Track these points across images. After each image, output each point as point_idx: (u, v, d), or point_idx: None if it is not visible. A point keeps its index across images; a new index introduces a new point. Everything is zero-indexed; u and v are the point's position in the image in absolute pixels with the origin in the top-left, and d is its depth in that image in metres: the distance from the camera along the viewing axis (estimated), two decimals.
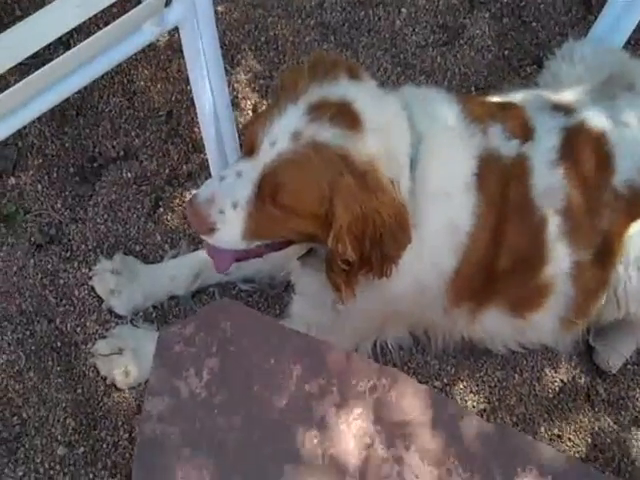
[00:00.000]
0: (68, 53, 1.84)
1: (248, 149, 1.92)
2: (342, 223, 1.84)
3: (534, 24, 3.04)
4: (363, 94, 1.92)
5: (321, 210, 1.87)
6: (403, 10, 3.02)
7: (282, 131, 1.85)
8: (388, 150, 1.90)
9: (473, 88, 2.93)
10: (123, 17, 1.88)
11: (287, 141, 1.84)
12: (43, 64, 1.86)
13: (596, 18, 2.87)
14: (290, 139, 1.84)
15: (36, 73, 1.80)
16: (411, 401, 1.78)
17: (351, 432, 1.74)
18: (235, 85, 2.83)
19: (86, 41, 1.85)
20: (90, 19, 1.81)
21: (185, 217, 2.62)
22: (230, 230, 1.92)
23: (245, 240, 1.95)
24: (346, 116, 1.86)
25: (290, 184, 1.86)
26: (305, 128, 1.84)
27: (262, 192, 1.88)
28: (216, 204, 1.90)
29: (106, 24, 2.21)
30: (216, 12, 2.14)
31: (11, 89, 1.79)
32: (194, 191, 2.64)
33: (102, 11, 1.83)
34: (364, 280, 2.00)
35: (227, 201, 1.89)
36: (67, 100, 1.96)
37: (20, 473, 2.28)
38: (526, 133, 2.17)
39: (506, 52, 2.99)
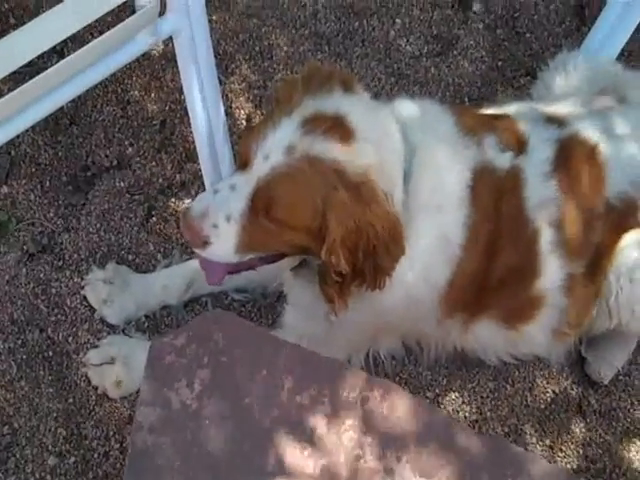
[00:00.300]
0: (62, 62, 1.84)
1: (242, 162, 1.91)
2: (335, 236, 1.84)
3: (528, 35, 3.05)
4: (357, 107, 1.92)
5: (314, 224, 1.87)
6: (397, 20, 3.02)
7: (276, 145, 1.85)
8: (382, 163, 1.90)
9: (467, 99, 2.93)
10: (117, 26, 1.88)
11: (281, 155, 1.84)
12: (37, 73, 1.86)
13: (590, 29, 2.88)
14: (284, 153, 1.84)
15: (30, 82, 1.80)
16: (403, 412, 1.78)
17: (342, 443, 1.74)
18: (229, 95, 2.83)
19: (80, 50, 1.85)
20: (84, 28, 1.81)
21: (178, 227, 2.61)
22: (223, 244, 1.92)
23: (238, 253, 1.95)
24: (340, 129, 1.86)
25: (284, 198, 1.86)
26: (299, 142, 1.84)
27: (256, 206, 1.88)
28: (210, 218, 1.90)
29: (101, 33, 2.21)
30: (210, 21, 2.15)
31: (5, 98, 1.79)
32: (188, 201, 2.65)
33: (97, 20, 1.83)
34: (357, 292, 1.99)
35: (221, 215, 1.89)
36: (61, 109, 1.97)
37: None
38: (520, 145, 2.17)
39: (500, 63, 3.00)
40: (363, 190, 1.84)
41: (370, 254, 1.88)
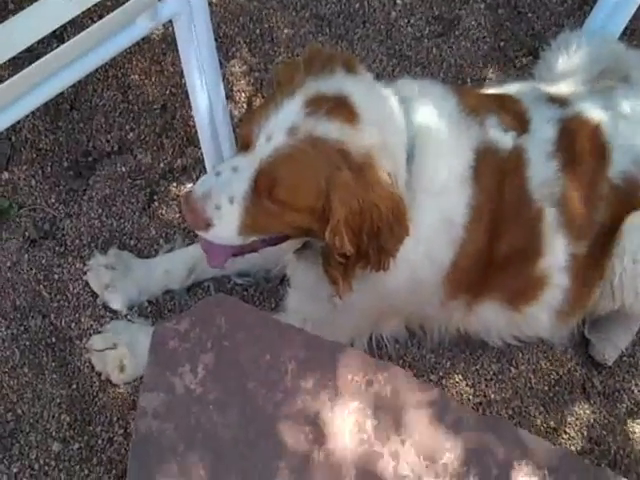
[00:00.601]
0: (62, 47, 1.83)
1: (244, 144, 1.90)
2: (339, 217, 1.83)
3: (530, 15, 3.03)
4: (359, 88, 1.91)
5: (318, 204, 1.86)
6: (398, 1, 3.01)
7: (278, 126, 1.84)
8: (385, 143, 1.89)
9: (469, 79, 2.92)
10: (117, 10, 1.87)
11: (284, 136, 1.83)
12: (37, 58, 1.85)
13: (591, 8, 2.86)
14: (287, 134, 1.83)
15: (30, 67, 1.79)
16: (407, 396, 1.78)
17: (347, 427, 1.74)
18: (229, 78, 2.81)
19: (80, 35, 1.84)
20: (84, 12, 1.80)
21: (180, 211, 2.61)
22: (226, 225, 1.91)
23: (241, 235, 1.94)
24: (343, 110, 1.85)
25: (287, 179, 1.85)
26: (302, 123, 1.83)
27: (258, 187, 1.87)
28: (212, 199, 1.89)
29: (100, 17, 2.20)
30: (210, 4, 2.14)
31: (5, 83, 1.78)
32: (189, 185, 2.64)
33: (96, 4, 1.82)
34: (361, 274, 1.99)
35: (223, 196, 1.88)
36: (61, 94, 1.96)
37: (15, 470, 2.28)
38: (522, 125, 2.16)
39: (502, 43, 2.98)
40: (367, 170, 1.83)
41: (374, 235, 1.87)
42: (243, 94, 2.82)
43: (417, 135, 1.99)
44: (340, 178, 1.82)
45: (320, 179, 1.83)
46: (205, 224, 1.91)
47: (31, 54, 1.75)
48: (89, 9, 1.81)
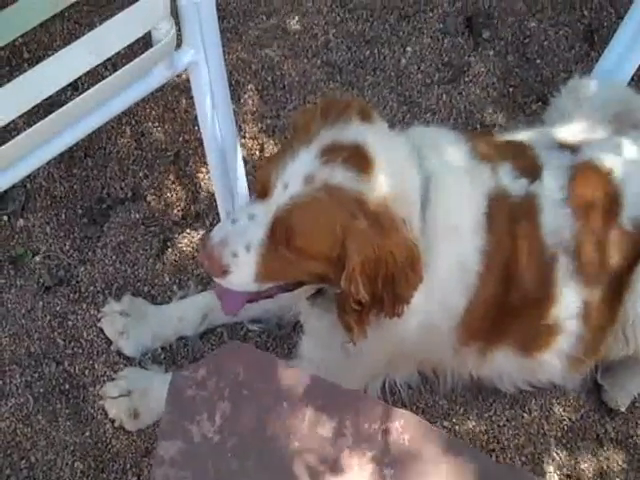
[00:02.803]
0: (79, 98, 1.85)
1: (261, 192, 1.91)
2: (355, 265, 1.84)
3: (538, 61, 3.06)
4: (375, 136, 1.92)
5: (334, 252, 1.87)
6: (408, 49, 3.04)
7: (295, 174, 1.85)
8: (400, 191, 1.90)
9: (478, 125, 2.93)
10: (134, 60, 1.89)
11: (300, 184, 1.84)
12: (51, 105, 1.88)
13: (599, 54, 2.88)
14: (303, 182, 1.84)
15: (47, 118, 1.81)
16: (424, 444, 1.76)
17: (364, 476, 1.73)
18: (242, 125, 2.83)
19: (97, 85, 1.86)
20: None
21: (193, 258, 2.62)
22: (243, 272, 1.92)
23: (257, 282, 1.95)
24: (359, 159, 1.86)
25: (303, 227, 1.86)
26: (318, 171, 1.84)
27: (275, 235, 1.88)
28: (229, 246, 1.89)
29: (114, 65, 2.23)
30: (223, 52, 2.15)
31: (22, 135, 1.79)
32: (202, 232, 2.65)
33: None
34: (375, 320, 1.99)
35: (240, 244, 1.89)
36: (75, 142, 1.99)
37: None
38: (534, 172, 2.16)
39: (511, 89, 3.00)
40: (382, 218, 1.84)
41: (389, 282, 1.87)
42: (255, 141, 2.84)
43: (430, 182, 2.00)
44: (356, 226, 1.83)
45: (336, 227, 1.84)
46: (222, 271, 1.92)
47: (45, 101, 1.77)
48: None
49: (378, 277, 1.87)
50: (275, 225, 1.87)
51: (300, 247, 1.88)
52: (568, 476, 2.44)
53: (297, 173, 1.85)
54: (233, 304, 2.12)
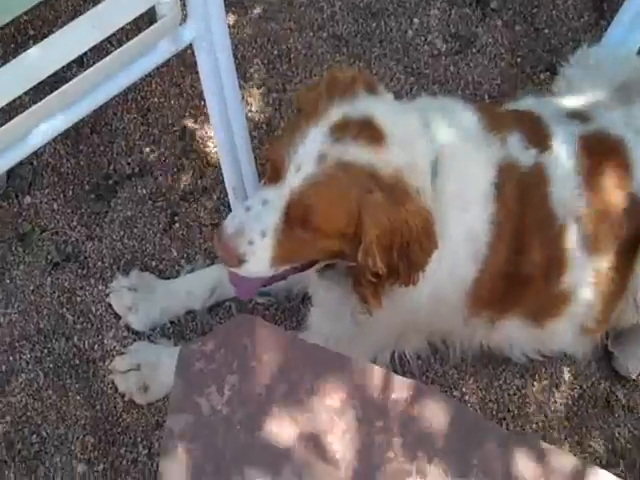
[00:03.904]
0: (84, 73, 1.85)
1: (272, 175, 1.90)
2: (371, 238, 1.84)
3: (546, 31, 3.04)
4: (383, 108, 1.91)
5: (350, 228, 1.86)
6: (415, 20, 3.02)
7: (307, 155, 1.84)
8: (412, 161, 1.89)
9: (486, 96, 2.92)
10: (139, 36, 1.89)
11: (313, 164, 1.83)
12: (56, 82, 1.87)
13: (609, 23, 2.87)
14: (316, 162, 1.83)
15: (53, 94, 1.81)
16: (434, 413, 1.77)
17: (374, 445, 1.73)
18: (248, 99, 2.83)
19: (102, 61, 1.86)
20: None
21: (201, 232, 2.63)
22: (259, 259, 1.91)
23: (273, 267, 1.95)
24: (369, 132, 1.85)
25: (319, 207, 1.85)
26: (330, 149, 1.83)
27: (290, 218, 1.87)
28: (245, 235, 1.88)
29: (119, 41, 2.22)
30: (228, 27, 2.14)
31: (28, 111, 1.80)
32: (210, 206, 2.66)
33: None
34: (389, 290, 1.99)
35: (255, 231, 1.88)
36: (81, 118, 1.98)
37: None
38: (543, 142, 2.15)
39: (519, 59, 2.98)
40: (396, 189, 1.84)
41: (404, 251, 1.87)
42: (262, 115, 2.83)
43: (439, 153, 1.99)
44: (371, 200, 1.82)
45: (352, 203, 1.83)
46: (238, 260, 1.91)
47: (50, 78, 1.76)
48: None
49: (394, 247, 1.86)
50: (290, 208, 1.86)
51: (317, 227, 1.87)
52: (579, 443, 2.45)
53: (309, 153, 1.84)
54: (247, 290, 2.14)
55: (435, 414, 1.77)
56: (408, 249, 1.87)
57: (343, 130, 1.84)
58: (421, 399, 1.78)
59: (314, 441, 1.72)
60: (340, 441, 1.73)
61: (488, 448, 1.78)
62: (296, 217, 1.86)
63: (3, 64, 1.69)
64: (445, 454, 1.75)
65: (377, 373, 1.81)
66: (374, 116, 1.88)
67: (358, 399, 1.76)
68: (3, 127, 1.79)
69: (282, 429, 1.73)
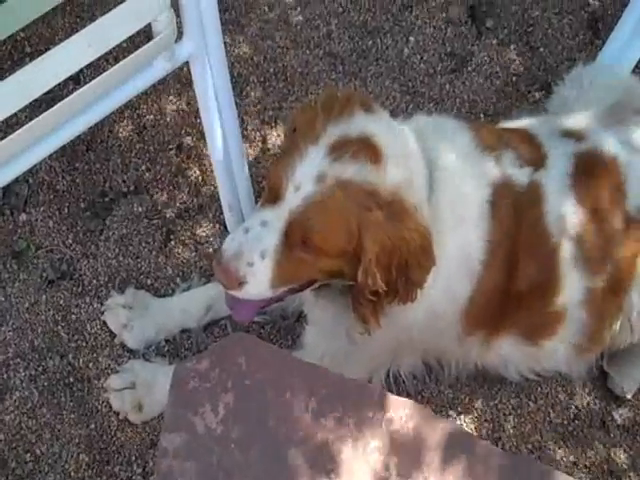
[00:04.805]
0: (80, 90, 1.84)
1: (270, 196, 1.90)
2: (371, 256, 1.84)
3: (542, 49, 3.04)
4: (380, 126, 1.92)
5: (350, 247, 1.86)
6: (411, 38, 3.02)
7: (305, 175, 1.84)
8: (409, 177, 1.90)
9: (482, 115, 2.92)
10: (135, 53, 1.88)
11: (312, 185, 1.83)
12: (53, 99, 1.87)
13: (604, 42, 2.88)
14: (315, 182, 1.83)
15: (48, 111, 1.80)
16: (428, 433, 1.76)
17: (369, 465, 1.73)
18: (244, 117, 2.83)
19: (97, 78, 1.85)
20: None
21: (196, 250, 2.62)
22: (259, 281, 1.90)
23: (273, 288, 1.94)
24: (368, 151, 1.85)
25: (319, 227, 1.84)
26: (329, 169, 1.83)
27: (290, 238, 1.86)
28: (244, 257, 1.88)
29: (115, 58, 2.22)
30: (224, 44, 2.15)
31: (23, 128, 1.79)
32: (205, 224, 2.65)
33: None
34: (388, 308, 1.99)
35: (255, 252, 1.87)
36: (77, 135, 1.98)
37: None
38: (538, 160, 2.16)
39: (514, 78, 2.99)
40: (395, 207, 1.84)
41: (403, 269, 1.87)
42: (258, 133, 2.83)
43: (434, 171, 2.00)
44: (371, 218, 1.82)
45: (351, 222, 1.83)
46: (238, 283, 1.91)
47: (47, 95, 1.76)
48: None
49: (392, 265, 1.87)
50: (289, 228, 1.86)
51: (317, 247, 1.87)
52: (574, 463, 2.44)
53: (308, 174, 1.84)
54: (245, 313, 2.12)
55: (430, 434, 1.77)
56: (407, 267, 1.87)
57: (341, 149, 1.84)
58: (416, 418, 1.78)
59: (309, 461, 1.72)
60: (334, 460, 1.72)
61: (483, 468, 1.78)
62: (296, 237, 1.86)
63: None
64: (440, 475, 1.74)
65: (372, 392, 1.81)
66: (372, 134, 1.88)
67: (353, 418, 1.76)
68: None
69: (277, 448, 1.73)
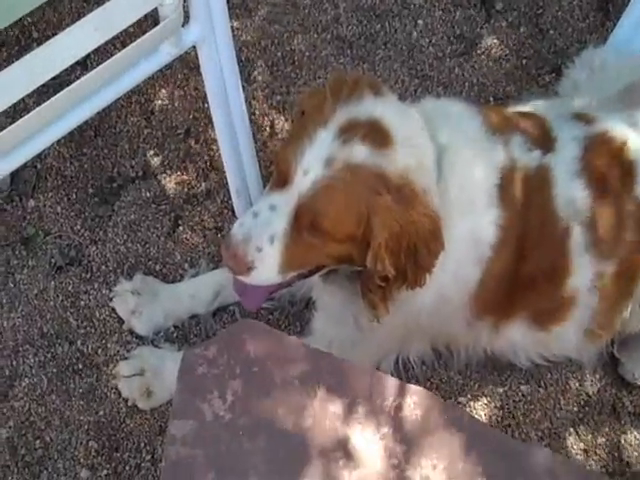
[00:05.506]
0: (87, 76, 1.83)
1: (279, 180, 1.88)
2: (380, 240, 1.83)
3: (551, 32, 3.02)
4: (389, 109, 1.90)
5: (359, 231, 1.85)
6: (419, 22, 3.00)
7: (314, 158, 1.82)
8: (418, 161, 1.89)
9: (491, 98, 2.90)
10: (141, 38, 1.87)
11: (321, 168, 1.81)
12: (60, 85, 1.86)
13: (614, 24, 2.85)
14: (324, 166, 1.81)
15: (56, 97, 1.79)
16: (437, 420, 1.76)
17: (378, 452, 1.72)
18: (252, 101, 2.82)
19: (104, 63, 1.84)
20: None
21: (205, 235, 2.62)
22: (268, 266, 1.89)
23: (281, 274, 1.93)
24: (377, 134, 1.84)
25: (328, 211, 1.83)
26: (338, 152, 1.82)
27: (299, 222, 1.85)
28: (253, 242, 1.87)
29: (122, 43, 2.21)
30: (231, 29, 2.13)
31: (31, 113, 1.78)
32: (213, 209, 2.64)
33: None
34: (397, 294, 1.98)
35: (264, 237, 1.86)
36: (85, 121, 1.97)
37: None
38: (547, 143, 2.14)
39: (524, 61, 2.97)
40: (404, 191, 1.83)
41: (412, 253, 1.86)
42: (266, 117, 2.82)
43: (443, 154, 1.99)
44: (380, 202, 1.81)
45: (361, 206, 1.82)
46: (247, 268, 1.90)
47: (55, 81, 1.76)
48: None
49: (402, 250, 1.86)
50: (298, 213, 1.85)
51: (326, 231, 1.86)
52: (585, 450, 2.43)
53: (317, 157, 1.82)
54: (254, 299, 2.12)
55: (439, 421, 1.76)
56: (416, 251, 1.86)
57: (350, 132, 1.83)
58: (426, 405, 1.78)
59: (317, 448, 1.71)
60: (343, 448, 1.72)
61: (493, 455, 1.77)
62: (305, 222, 1.85)
63: (7, 66, 1.68)
64: (450, 462, 1.74)
65: (381, 379, 1.81)
66: (381, 117, 1.87)
67: (362, 405, 1.75)
68: (6, 130, 1.78)
69: (285, 436, 1.73)
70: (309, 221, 1.85)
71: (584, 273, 2.18)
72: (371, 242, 1.85)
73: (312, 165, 1.82)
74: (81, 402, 2.40)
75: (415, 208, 1.83)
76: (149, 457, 2.35)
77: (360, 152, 1.82)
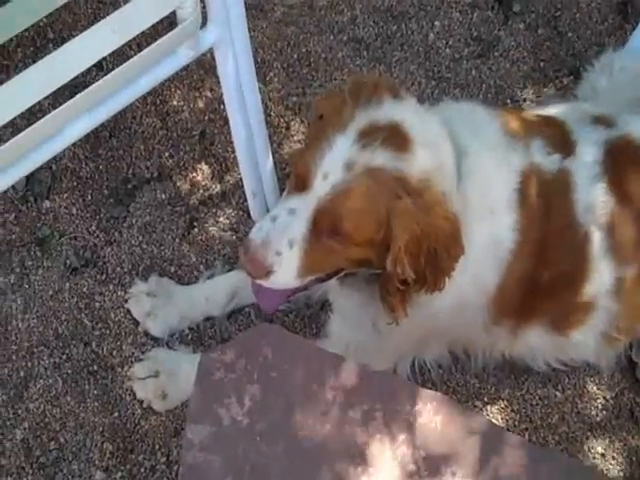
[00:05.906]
0: (105, 78, 1.82)
1: (299, 184, 1.87)
2: (401, 244, 1.81)
3: (570, 34, 3.00)
4: (409, 113, 1.89)
5: (379, 235, 1.84)
6: (436, 23, 2.99)
7: (334, 162, 1.81)
8: (438, 165, 1.87)
9: (509, 100, 2.89)
10: (159, 40, 1.86)
11: (341, 172, 1.80)
12: (75, 86, 1.86)
13: (633, 27, 2.84)
14: (344, 169, 1.80)
15: (73, 99, 1.79)
16: (456, 426, 1.75)
17: (396, 459, 1.71)
18: (268, 103, 2.80)
19: (122, 66, 1.84)
20: None
21: (220, 237, 2.61)
22: (287, 270, 1.88)
23: (300, 277, 1.92)
24: (397, 137, 1.83)
25: (348, 214, 1.82)
26: (358, 156, 1.80)
27: (318, 227, 1.84)
28: (272, 246, 1.86)
29: (139, 45, 2.19)
30: (248, 30, 2.12)
31: (48, 116, 1.78)
32: (229, 211, 2.64)
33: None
34: (416, 297, 1.97)
35: (283, 241, 1.85)
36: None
37: None
38: (567, 147, 2.13)
39: (542, 64, 2.95)
40: (425, 194, 1.82)
41: (431, 257, 1.85)
42: (282, 119, 2.81)
43: (462, 158, 1.97)
44: (400, 206, 1.80)
45: (381, 210, 1.81)
46: (266, 272, 1.89)
47: (70, 82, 1.75)
48: None
49: (421, 253, 1.85)
50: (317, 217, 1.83)
51: (345, 235, 1.84)
52: (603, 455, 2.42)
53: (336, 161, 1.81)
54: (271, 301, 2.11)
55: (458, 427, 1.75)
56: (436, 255, 1.85)
57: (370, 136, 1.82)
58: (444, 411, 1.76)
59: (335, 453, 1.70)
60: (361, 454, 1.71)
61: (511, 461, 1.76)
62: (324, 226, 1.84)
63: (23, 68, 1.68)
64: (468, 467, 1.72)
65: (401, 385, 1.80)
66: (400, 121, 1.86)
67: (381, 411, 1.74)
68: (23, 132, 1.77)
69: (303, 441, 1.72)
70: (328, 225, 1.83)
71: (604, 278, 2.17)
72: (391, 245, 1.83)
73: (332, 169, 1.81)
74: (96, 404, 2.40)
75: (435, 211, 1.82)
76: (164, 459, 2.35)
77: (380, 156, 1.81)
